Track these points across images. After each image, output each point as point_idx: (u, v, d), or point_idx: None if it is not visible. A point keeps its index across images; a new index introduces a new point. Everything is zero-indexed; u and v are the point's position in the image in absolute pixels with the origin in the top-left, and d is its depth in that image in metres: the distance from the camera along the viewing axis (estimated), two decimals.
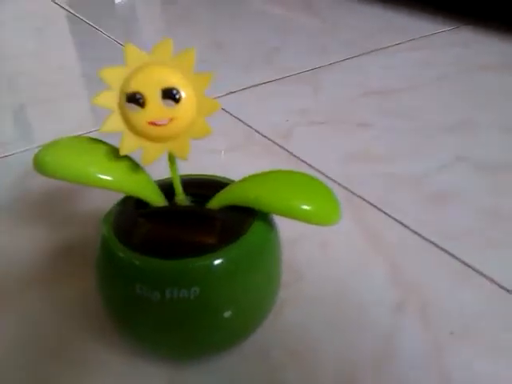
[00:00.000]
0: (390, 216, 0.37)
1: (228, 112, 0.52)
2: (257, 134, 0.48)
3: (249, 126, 0.50)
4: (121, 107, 0.23)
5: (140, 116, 0.23)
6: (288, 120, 0.50)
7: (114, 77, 0.23)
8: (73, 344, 0.29)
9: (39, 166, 0.24)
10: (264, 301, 0.26)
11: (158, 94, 0.22)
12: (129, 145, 0.23)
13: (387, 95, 0.55)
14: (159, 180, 0.27)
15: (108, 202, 0.39)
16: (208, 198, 0.26)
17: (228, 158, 0.45)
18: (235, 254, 0.24)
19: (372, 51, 0.65)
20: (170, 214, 0.26)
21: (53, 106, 0.57)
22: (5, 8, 0.92)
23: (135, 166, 0.25)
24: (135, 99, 0.22)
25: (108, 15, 0.87)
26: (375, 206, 0.38)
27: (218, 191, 0.26)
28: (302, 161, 0.44)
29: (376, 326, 0.29)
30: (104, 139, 0.25)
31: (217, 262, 0.23)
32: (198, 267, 0.23)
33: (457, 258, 0.33)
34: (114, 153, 0.25)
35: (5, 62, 0.70)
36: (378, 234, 0.35)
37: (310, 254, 0.34)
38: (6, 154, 0.48)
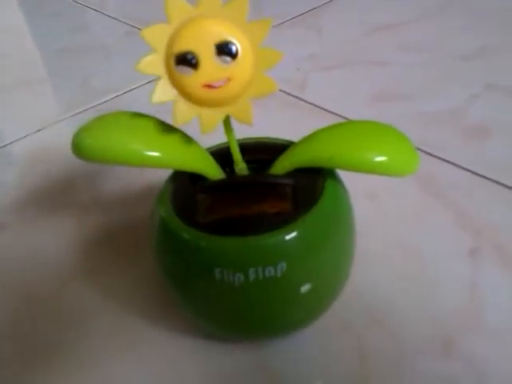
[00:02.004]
0: (433, 156, 0.35)
1: None
2: None
3: None
4: (169, 71, 0.20)
5: (193, 79, 0.20)
6: (299, 68, 0.47)
7: (158, 37, 0.19)
8: (141, 332, 0.26)
9: (79, 150, 0.22)
10: (344, 267, 0.24)
11: (212, 51, 0.19)
12: (183, 114, 0.20)
13: (394, 29, 0.52)
14: (208, 148, 0.25)
15: (134, 180, 0.37)
16: (266, 162, 0.24)
17: None
18: (317, 220, 0.21)
19: None
20: (233, 187, 0.23)
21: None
22: None
23: (185, 138, 0.23)
24: (186, 60, 0.19)
25: None
26: (417, 148, 0.36)
27: (275, 155, 0.24)
28: (325, 109, 0.42)
29: (454, 278, 0.27)
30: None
31: (301, 231, 0.21)
32: (284, 240, 0.21)
33: None
34: (160, 126, 0.22)
35: None
36: (429, 176, 0.33)
37: (362, 208, 0.32)
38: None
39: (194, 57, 0.19)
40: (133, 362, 0.25)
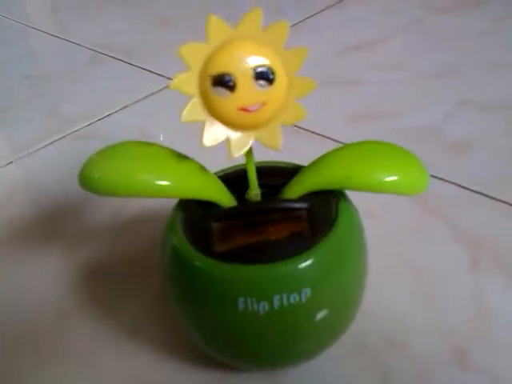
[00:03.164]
0: None
1: None
2: None
3: None
4: (203, 92, 0.19)
5: (229, 101, 0.19)
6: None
7: (195, 55, 0.19)
8: (149, 366, 0.25)
9: (87, 185, 0.21)
10: (362, 288, 0.24)
11: (250, 75, 0.19)
12: (213, 136, 0.20)
13: (364, 49, 0.53)
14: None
15: (124, 207, 0.35)
16: (274, 187, 0.24)
17: None
18: (337, 243, 0.21)
19: (325, 8, 0.63)
20: (248, 213, 0.22)
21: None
22: None
23: (195, 165, 0.22)
24: (224, 82, 0.19)
25: None
26: None
27: (282, 178, 0.24)
28: (306, 130, 0.42)
29: (460, 291, 0.28)
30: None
31: (323, 254, 0.21)
32: (309, 265, 0.20)
33: (505, 202, 0.32)
34: (169, 154, 0.22)
35: None
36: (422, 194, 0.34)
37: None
38: None
39: (232, 79, 0.19)
40: None
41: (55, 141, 0.45)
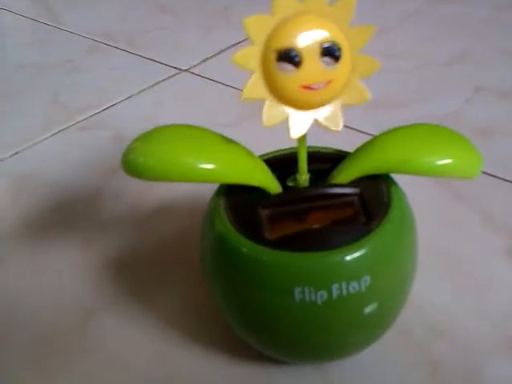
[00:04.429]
0: None
1: (218, 81, 0.47)
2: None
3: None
4: (265, 67, 0.18)
5: (293, 78, 0.18)
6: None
7: (259, 28, 0.18)
8: (184, 361, 0.24)
9: (131, 169, 0.20)
10: (414, 275, 0.23)
11: (317, 51, 0.18)
12: (274, 114, 0.19)
13: (375, 38, 0.52)
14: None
15: (141, 197, 0.34)
16: (320, 172, 0.23)
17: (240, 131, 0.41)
18: (393, 229, 0.20)
19: None
20: (299, 199, 0.21)
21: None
22: None
23: (242, 149, 0.21)
24: (290, 57, 0.18)
25: None
26: None
27: (327, 164, 0.23)
28: None
29: (501, 276, 0.27)
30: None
31: (381, 241, 0.20)
32: (368, 252, 0.19)
33: None
34: (214, 137, 0.21)
35: None
36: (446, 180, 0.33)
37: None
38: None
39: (298, 54, 0.18)
40: None
41: (60, 131, 0.43)
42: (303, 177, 0.22)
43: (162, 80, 0.49)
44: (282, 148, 0.24)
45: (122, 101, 0.46)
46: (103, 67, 0.53)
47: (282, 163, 0.23)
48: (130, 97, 0.47)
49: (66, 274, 0.30)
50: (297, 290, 0.19)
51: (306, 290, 0.19)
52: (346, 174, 0.22)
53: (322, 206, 0.21)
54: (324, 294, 0.19)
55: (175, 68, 0.50)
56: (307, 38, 0.18)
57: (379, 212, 0.21)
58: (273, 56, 0.18)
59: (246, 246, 0.20)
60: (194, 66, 0.50)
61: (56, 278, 0.29)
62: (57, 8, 0.68)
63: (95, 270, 0.30)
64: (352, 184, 0.22)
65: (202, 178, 0.20)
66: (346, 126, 0.39)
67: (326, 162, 0.23)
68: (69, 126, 0.44)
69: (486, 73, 0.45)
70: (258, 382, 0.23)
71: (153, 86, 0.48)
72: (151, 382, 0.24)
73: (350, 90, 0.19)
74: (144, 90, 0.48)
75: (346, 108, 0.41)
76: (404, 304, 0.23)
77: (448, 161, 0.21)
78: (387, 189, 0.22)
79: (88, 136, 0.42)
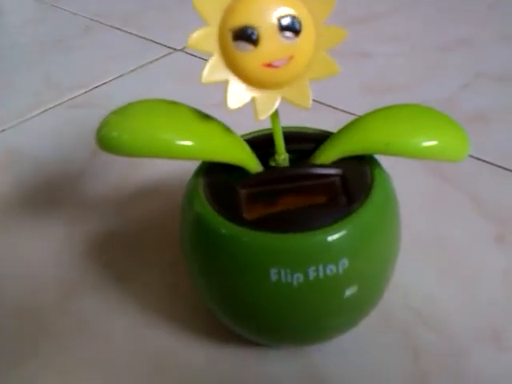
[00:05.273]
0: None
1: None
2: None
3: None
4: (224, 48, 0.18)
5: (252, 57, 0.17)
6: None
7: (212, 8, 0.17)
8: (165, 342, 0.24)
9: (105, 144, 0.19)
10: (395, 259, 0.22)
11: (275, 26, 0.17)
12: (237, 96, 0.18)
13: (370, 21, 0.51)
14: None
15: (124, 176, 0.33)
16: (302, 152, 0.22)
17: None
18: (375, 211, 0.20)
19: None
20: (278, 179, 0.21)
21: None
22: None
23: (221, 126, 0.21)
24: (246, 35, 0.17)
25: None
26: None
27: (310, 144, 0.22)
28: (318, 102, 0.40)
29: (486, 266, 0.26)
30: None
31: (361, 223, 0.19)
32: (346, 234, 0.19)
33: None
34: (193, 114, 0.20)
35: None
36: (436, 164, 0.33)
37: None
38: None
39: (255, 32, 0.17)
40: (160, 374, 0.23)
41: (50, 108, 0.42)
42: (281, 157, 0.21)
43: (156, 59, 0.48)
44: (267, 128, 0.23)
45: (113, 79, 0.46)
46: (98, 46, 0.52)
47: (264, 143, 0.22)
48: (121, 75, 0.46)
49: (48, 250, 0.29)
50: (272, 272, 0.19)
51: (282, 272, 0.19)
52: (328, 155, 0.21)
53: (302, 187, 0.21)
54: (300, 276, 0.19)
55: (169, 47, 0.49)
56: (264, 14, 0.17)
57: (361, 194, 0.20)
58: (229, 36, 0.17)
59: (223, 226, 0.19)
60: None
61: (37, 253, 0.29)
62: None
63: (77, 247, 0.29)
64: (334, 165, 0.21)
65: (180, 154, 0.19)
66: (342, 110, 0.39)
67: (309, 142, 0.22)
68: (60, 103, 0.43)
69: (486, 59, 0.44)
70: (237, 366, 0.23)
71: (146, 64, 0.47)
72: (129, 362, 0.24)
73: (317, 64, 0.18)
74: (136, 68, 0.47)
75: (343, 92, 0.40)
76: (385, 288, 0.22)
77: (433, 142, 0.20)
78: (371, 170, 0.21)
79: (78, 114, 0.41)
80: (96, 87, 0.45)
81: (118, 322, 0.25)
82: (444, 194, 0.31)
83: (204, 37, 0.17)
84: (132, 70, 0.47)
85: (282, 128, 0.23)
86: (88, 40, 0.53)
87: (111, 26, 0.55)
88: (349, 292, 0.20)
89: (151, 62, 0.48)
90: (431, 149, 0.20)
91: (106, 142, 0.19)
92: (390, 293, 0.23)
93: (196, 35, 0.17)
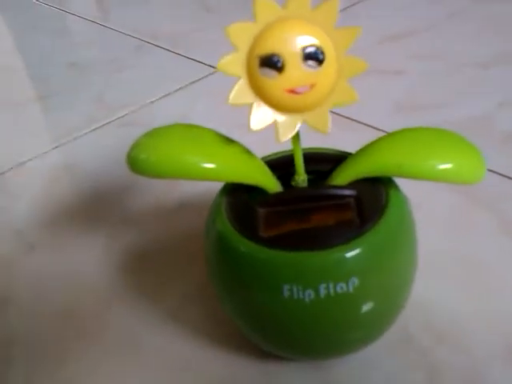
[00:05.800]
0: None
1: None
2: None
3: None
4: (250, 73, 0.19)
5: (277, 83, 0.19)
6: None
7: (243, 35, 0.18)
8: (193, 352, 0.25)
9: (134, 165, 0.21)
10: (411, 279, 0.23)
11: (299, 55, 0.18)
12: (261, 119, 0.20)
13: (407, 38, 0.51)
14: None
15: (164, 194, 0.35)
16: (321, 173, 0.23)
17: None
18: (387, 231, 0.21)
19: None
20: (295, 199, 0.22)
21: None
22: None
23: (243, 149, 0.22)
24: (272, 62, 0.18)
25: None
26: None
27: (329, 165, 0.23)
28: (348, 118, 0.41)
29: (509, 286, 0.26)
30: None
31: (372, 243, 0.20)
32: (357, 254, 0.20)
33: None
34: (216, 137, 0.22)
35: None
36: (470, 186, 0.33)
37: None
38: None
39: (280, 60, 0.18)
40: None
41: (99, 127, 0.45)
42: (301, 178, 0.22)
43: (199, 79, 0.50)
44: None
45: (159, 98, 0.48)
46: (146, 66, 0.55)
47: (287, 164, 0.24)
48: (167, 94, 0.48)
49: (88, 264, 0.31)
50: (285, 288, 0.20)
51: (294, 288, 0.20)
52: (344, 176, 0.22)
53: (317, 207, 0.22)
54: (311, 293, 0.20)
55: (211, 67, 0.51)
56: (289, 43, 0.18)
57: (374, 215, 0.21)
58: (256, 62, 0.18)
59: (240, 243, 0.21)
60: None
61: (79, 267, 0.31)
62: (109, 8, 0.71)
63: (115, 260, 0.31)
64: (350, 186, 0.22)
65: (203, 176, 0.21)
66: (373, 128, 0.39)
67: (328, 163, 0.23)
68: (109, 122, 0.46)
69: None
70: (256, 377, 0.24)
71: (190, 84, 0.50)
72: (157, 371, 0.25)
73: (338, 92, 0.19)
74: (181, 88, 0.49)
75: (377, 109, 0.41)
76: (401, 306, 0.23)
77: (448, 165, 0.21)
78: (386, 192, 0.22)
79: (125, 132, 0.44)
80: (143, 106, 0.47)
81: (145, 333, 0.27)
82: (470, 211, 0.31)
83: (232, 61, 0.19)
84: (177, 90, 0.49)
85: (304, 149, 0.24)
86: (138, 60, 0.56)
87: (160, 47, 0.58)
88: (360, 310, 0.20)
89: (195, 82, 0.50)
90: (445, 172, 0.21)
91: (135, 163, 0.21)
92: (410, 311, 0.24)
93: (225, 60, 0.19)
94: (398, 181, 0.22)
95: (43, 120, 0.49)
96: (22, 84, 0.56)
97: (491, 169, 0.34)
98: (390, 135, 0.22)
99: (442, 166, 0.21)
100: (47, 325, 0.28)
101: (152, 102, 0.48)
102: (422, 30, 0.52)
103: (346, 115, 0.41)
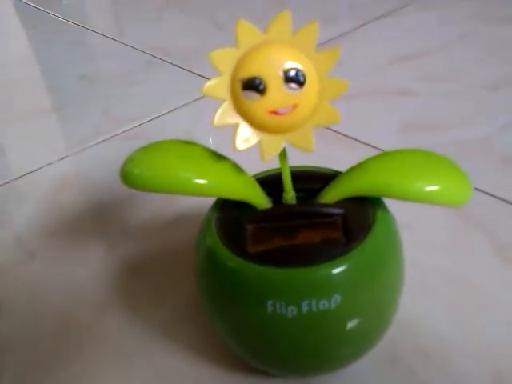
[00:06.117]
0: None
1: None
2: None
3: None
4: (234, 96, 0.20)
5: (259, 105, 0.19)
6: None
7: (225, 60, 0.19)
8: (184, 364, 0.26)
9: (127, 179, 0.22)
10: (396, 298, 0.23)
11: (280, 78, 0.19)
12: (244, 139, 0.20)
13: (416, 59, 0.52)
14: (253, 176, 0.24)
15: (163, 207, 0.36)
16: (311, 191, 0.23)
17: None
18: (372, 250, 0.21)
19: (381, 16, 0.63)
20: (283, 216, 0.22)
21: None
22: None
23: (233, 166, 0.22)
24: (254, 85, 0.19)
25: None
26: None
27: (320, 183, 0.23)
28: (354, 139, 0.41)
29: (501, 308, 0.26)
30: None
31: (356, 261, 0.20)
32: (339, 272, 0.20)
33: None
34: (208, 154, 0.22)
35: None
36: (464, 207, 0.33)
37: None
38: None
39: (262, 82, 0.19)
40: None
41: (105, 140, 0.46)
42: (289, 195, 0.23)
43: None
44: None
45: (166, 113, 0.49)
46: (155, 81, 0.56)
47: (277, 182, 0.24)
48: (173, 109, 0.49)
49: (86, 275, 0.32)
50: (269, 303, 0.20)
51: (277, 304, 0.20)
52: (333, 194, 0.22)
53: (304, 225, 0.22)
54: (294, 308, 0.20)
55: None
56: (270, 67, 0.19)
57: (359, 234, 0.21)
58: (239, 85, 0.19)
59: (227, 258, 0.21)
60: None
61: (75, 277, 0.32)
62: (123, 23, 0.73)
63: (112, 272, 0.32)
64: (338, 204, 0.22)
65: (194, 191, 0.21)
66: (378, 148, 0.40)
67: (318, 181, 0.24)
68: (115, 135, 0.47)
69: None
70: None
71: (196, 100, 0.50)
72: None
73: (320, 113, 0.20)
74: (187, 103, 0.50)
75: (381, 129, 0.41)
76: (387, 323, 0.23)
77: (435, 188, 0.21)
78: (373, 211, 0.22)
79: (128, 146, 0.44)
80: (149, 120, 0.48)
81: (137, 345, 0.27)
82: (464, 233, 0.31)
83: (217, 85, 0.19)
84: (183, 105, 0.50)
85: (297, 167, 0.24)
86: (147, 75, 0.57)
87: (169, 62, 0.59)
88: (342, 327, 0.21)
89: (200, 98, 0.51)
90: (432, 193, 0.21)
91: (128, 177, 0.21)
92: (397, 330, 0.24)
93: (210, 84, 0.19)
94: (389, 200, 0.22)
95: (53, 131, 0.50)
96: (36, 95, 0.57)
97: (486, 190, 0.34)
98: (378, 156, 0.22)
99: (430, 188, 0.21)
100: (41, 333, 0.28)
101: (157, 117, 0.49)
102: (432, 51, 0.53)
103: (351, 136, 0.41)
